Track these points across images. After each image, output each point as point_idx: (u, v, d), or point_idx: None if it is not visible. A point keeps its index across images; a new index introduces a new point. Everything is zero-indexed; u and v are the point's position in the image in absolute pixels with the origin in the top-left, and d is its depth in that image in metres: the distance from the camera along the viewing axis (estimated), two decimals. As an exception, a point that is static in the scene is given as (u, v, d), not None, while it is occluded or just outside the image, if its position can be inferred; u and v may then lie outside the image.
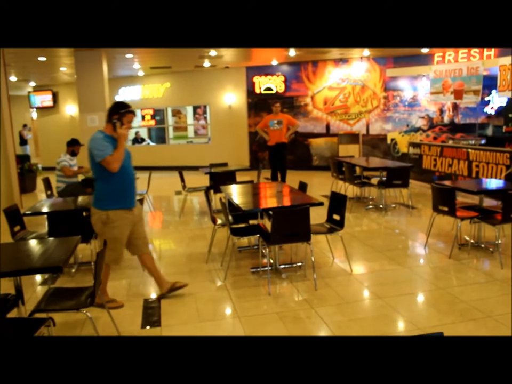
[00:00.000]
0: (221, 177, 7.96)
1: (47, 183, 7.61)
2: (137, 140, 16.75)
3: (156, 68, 14.19)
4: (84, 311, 3.39)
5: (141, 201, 5.71)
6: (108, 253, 4.16)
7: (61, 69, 13.19)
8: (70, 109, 16.75)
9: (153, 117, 16.45)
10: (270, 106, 14.41)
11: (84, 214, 5.53)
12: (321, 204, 4.95)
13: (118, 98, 15.97)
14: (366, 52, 12.46)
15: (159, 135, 17.41)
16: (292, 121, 10.31)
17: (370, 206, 8.72)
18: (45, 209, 5.40)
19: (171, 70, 14.65)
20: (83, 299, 3.47)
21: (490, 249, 5.81)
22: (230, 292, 4.75)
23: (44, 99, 16.77)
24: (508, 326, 3.82)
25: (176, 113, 17.43)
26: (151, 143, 17.21)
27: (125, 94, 16.06)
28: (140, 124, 16.90)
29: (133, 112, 4.27)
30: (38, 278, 5.33)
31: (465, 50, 11.83)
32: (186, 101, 16.12)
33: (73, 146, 7.63)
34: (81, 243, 4.44)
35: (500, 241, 5.71)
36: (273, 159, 10.27)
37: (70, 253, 3.37)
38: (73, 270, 5.48)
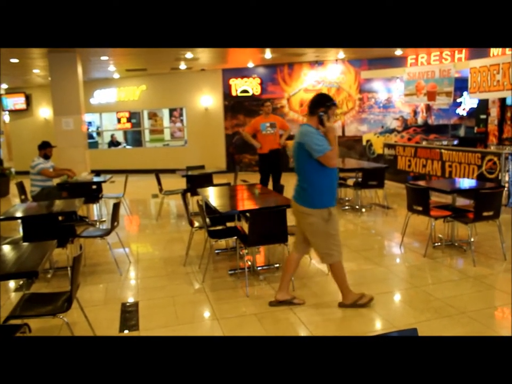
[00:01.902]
0: (197, 180, 7.96)
1: (21, 187, 7.49)
2: (113, 143, 16.59)
3: (131, 70, 14.08)
4: (61, 316, 3.36)
5: (118, 204, 5.67)
6: (332, 251, 4.13)
7: (34, 71, 12.99)
8: (44, 111, 16.50)
9: (129, 119, 16.31)
10: (246, 108, 14.50)
11: (60, 218, 5.48)
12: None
13: (93, 101, 15.80)
14: (341, 54, 12.60)
15: (135, 138, 17.27)
16: (284, 124, 8.69)
17: (347, 207, 8.82)
18: (19, 214, 5.32)
19: (147, 72, 14.56)
20: (60, 304, 3.43)
21: (464, 247, 5.94)
22: (208, 294, 4.76)
23: (17, 102, 16.48)
24: (481, 322, 3.92)
25: (152, 116, 17.31)
26: (127, 146, 17.06)
27: (100, 97, 15.90)
28: (115, 127, 16.76)
29: (336, 105, 4.10)
30: (12, 284, 5.24)
31: (437, 52, 12.06)
32: (162, 104, 16.05)
33: (45, 149, 7.52)
34: (57, 248, 4.38)
35: (472, 240, 5.83)
36: (266, 168, 8.42)
37: (45, 257, 3.34)
38: (49, 275, 5.41)
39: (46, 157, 7.51)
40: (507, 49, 10.36)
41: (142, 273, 5.55)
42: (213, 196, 5.85)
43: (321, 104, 3.98)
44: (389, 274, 5.24)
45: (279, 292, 4.39)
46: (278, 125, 8.40)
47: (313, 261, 5.67)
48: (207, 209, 5.42)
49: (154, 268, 5.73)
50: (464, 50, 11.64)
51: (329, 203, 4.05)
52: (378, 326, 4.02)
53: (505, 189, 7.64)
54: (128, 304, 4.62)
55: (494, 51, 10.83)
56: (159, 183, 8.48)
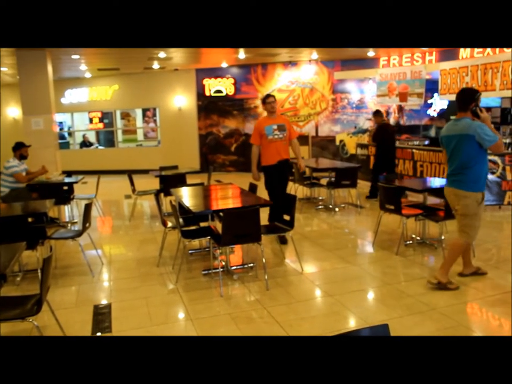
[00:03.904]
0: (171, 180, 7.90)
1: (-11, 188, 7.31)
2: (85, 143, 16.34)
3: (103, 70, 13.89)
4: (30, 320, 3.29)
5: (89, 205, 5.58)
6: (473, 232, 4.55)
7: (2, 69, 12.68)
8: (12, 111, 16.12)
9: (101, 119, 16.08)
10: (220, 108, 14.46)
11: (30, 219, 5.37)
12: (271, 204, 5.00)
13: (64, 100, 15.54)
14: (315, 55, 12.67)
15: (107, 138, 17.03)
16: (292, 130, 6.59)
17: (320, 206, 8.87)
18: (-13, 216, 5.18)
19: (119, 72, 14.39)
20: (29, 307, 3.36)
21: (435, 245, 6.04)
22: (182, 294, 4.72)
23: (-16, 101, 16.09)
24: (451, 317, 3.99)
25: (125, 116, 17.09)
26: (100, 147, 16.82)
27: (72, 96, 15.64)
28: (87, 127, 16.51)
29: (480, 92, 4.47)
30: (-20, 287, 5.11)
31: (409, 54, 12.25)
32: (135, 104, 15.87)
33: (20, 149, 7.45)
34: (27, 250, 4.29)
35: (443, 237, 5.95)
36: (276, 183, 6.33)
37: (14, 260, 3.26)
38: (18, 279, 5.28)
39: (22, 157, 7.48)
40: (475, 52, 10.61)
41: (115, 275, 5.48)
42: (186, 196, 5.81)
43: (470, 99, 4.39)
44: (362, 272, 5.29)
45: (439, 271, 4.71)
46: (288, 127, 6.45)
47: (287, 260, 5.69)
48: (181, 209, 5.38)
49: (127, 269, 5.66)
50: (434, 52, 11.85)
51: (484, 187, 4.52)
52: (351, 324, 4.05)
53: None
54: (100, 306, 4.55)
55: (463, 54, 11.06)
56: (132, 183, 8.39)
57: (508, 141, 10.06)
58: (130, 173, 8.56)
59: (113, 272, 5.56)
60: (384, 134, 9.00)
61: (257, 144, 6.36)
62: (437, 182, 7.03)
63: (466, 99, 4.40)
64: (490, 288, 4.68)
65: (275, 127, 6.29)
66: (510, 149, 9.47)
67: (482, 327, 3.98)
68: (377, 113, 9.27)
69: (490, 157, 7.86)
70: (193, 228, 5.66)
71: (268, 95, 6.49)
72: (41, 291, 3.30)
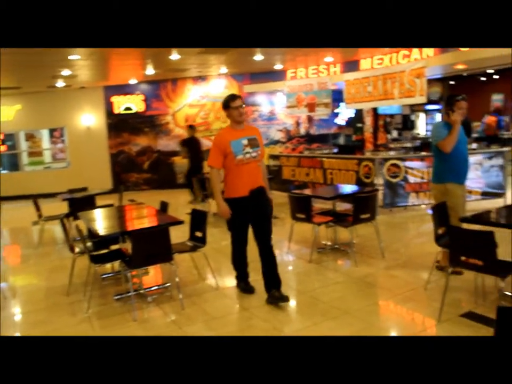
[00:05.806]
0: (79, 203, 7.58)
1: None
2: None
3: (3, 89, 13.11)
4: None
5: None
6: (455, 219, 4.74)
7: None
8: None
9: (3, 142, 15.17)
10: (130, 126, 14.13)
11: None
12: (181, 222, 4.90)
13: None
14: (224, 69, 12.76)
15: (12, 162, 16.07)
16: (262, 145, 4.79)
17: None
18: None
19: (21, 90, 13.65)
20: None
21: (347, 249, 6.22)
22: (93, 323, 4.50)
23: None
24: (364, 319, 4.13)
25: (30, 137, 16.23)
26: (3, 171, 15.82)
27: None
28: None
29: (463, 99, 4.88)
30: None
31: (315, 66, 12.68)
32: (40, 124, 15.11)
33: None
34: None
35: (354, 242, 6.14)
36: (244, 220, 4.72)
37: None
38: None
39: None
40: (375, 63, 11.20)
41: (20, 309, 5.13)
42: (95, 218, 5.57)
43: (447, 104, 5.02)
44: (278, 282, 5.31)
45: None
46: (261, 140, 4.77)
47: (202, 277, 5.60)
48: (90, 233, 5.15)
49: (34, 301, 5.30)
50: (338, 64, 12.35)
51: (444, 180, 4.95)
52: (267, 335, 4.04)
53: (381, 191, 8.17)
54: None
55: (363, 65, 11.64)
56: (38, 208, 7.94)
57: (408, 145, 10.68)
58: (35, 198, 8.11)
59: (17, 306, 5.20)
60: (190, 144, 11.43)
61: (218, 167, 4.61)
62: (347, 188, 7.27)
63: (446, 104, 5.06)
64: (399, 286, 4.88)
65: (245, 142, 4.56)
66: (411, 153, 10.05)
67: (394, 325, 4.13)
68: (190, 127, 11.72)
69: (393, 161, 8.29)
70: (103, 251, 5.43)
71: (234, 96, 4.65)
72: None
